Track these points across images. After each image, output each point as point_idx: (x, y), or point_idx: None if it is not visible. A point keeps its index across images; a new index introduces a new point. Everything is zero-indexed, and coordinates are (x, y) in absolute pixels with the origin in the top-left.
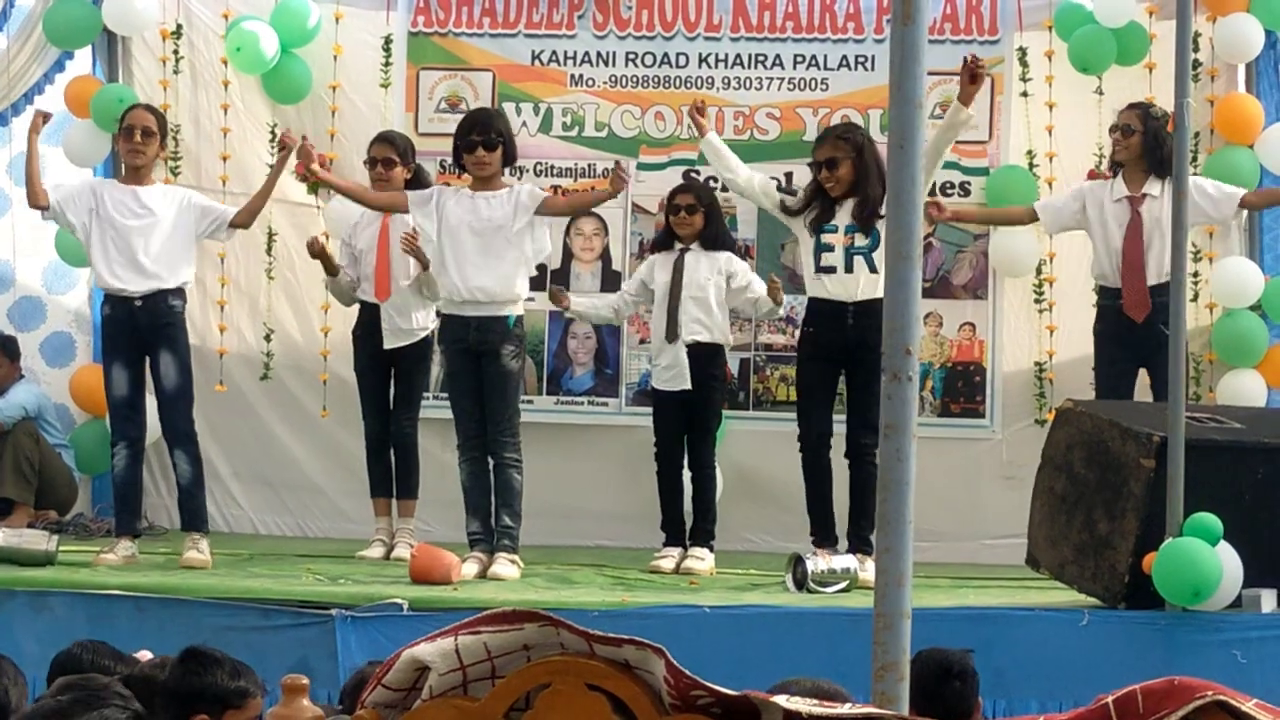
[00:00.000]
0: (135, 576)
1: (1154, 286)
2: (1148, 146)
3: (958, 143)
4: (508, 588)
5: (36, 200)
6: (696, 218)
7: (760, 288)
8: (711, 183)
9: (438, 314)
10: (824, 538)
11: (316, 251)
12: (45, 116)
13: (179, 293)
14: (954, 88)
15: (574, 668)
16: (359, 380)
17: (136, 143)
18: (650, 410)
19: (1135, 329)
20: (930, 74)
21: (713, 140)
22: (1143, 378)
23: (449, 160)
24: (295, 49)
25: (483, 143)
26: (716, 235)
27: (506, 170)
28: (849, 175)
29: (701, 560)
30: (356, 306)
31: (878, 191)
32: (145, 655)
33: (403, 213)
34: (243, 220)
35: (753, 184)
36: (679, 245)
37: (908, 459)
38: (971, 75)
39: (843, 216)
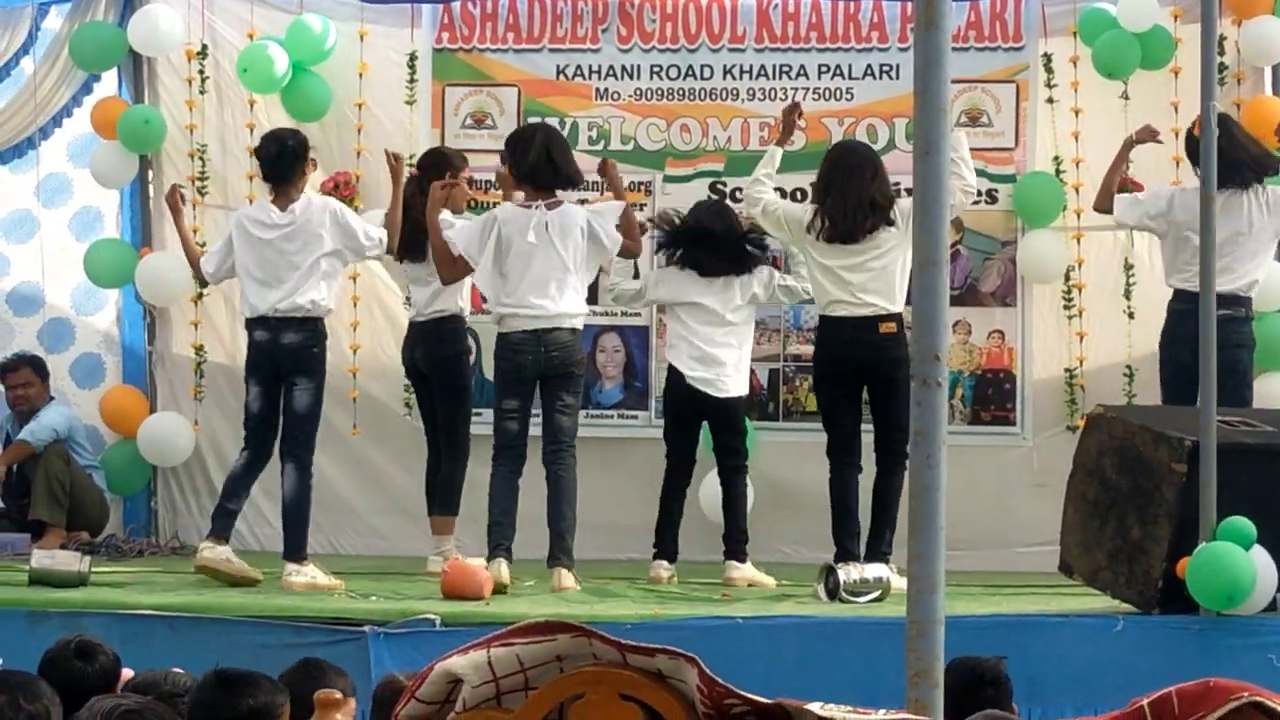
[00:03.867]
0: (168, 596)
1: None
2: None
3: (984, 149)
4: (541, 602)
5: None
6: None
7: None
8: (737, 194)
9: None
10: (845, 557)
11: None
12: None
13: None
14: (980, 95)
15: (607, 678)
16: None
17: None
18: None
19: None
20: (955, 81)
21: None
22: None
23: (476, 177)
24: (312, 66)
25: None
26: None
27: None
28: None
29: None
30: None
31: None
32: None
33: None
34: None
35: (778, 210)
36: None
37: (938, 465)
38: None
39: None
